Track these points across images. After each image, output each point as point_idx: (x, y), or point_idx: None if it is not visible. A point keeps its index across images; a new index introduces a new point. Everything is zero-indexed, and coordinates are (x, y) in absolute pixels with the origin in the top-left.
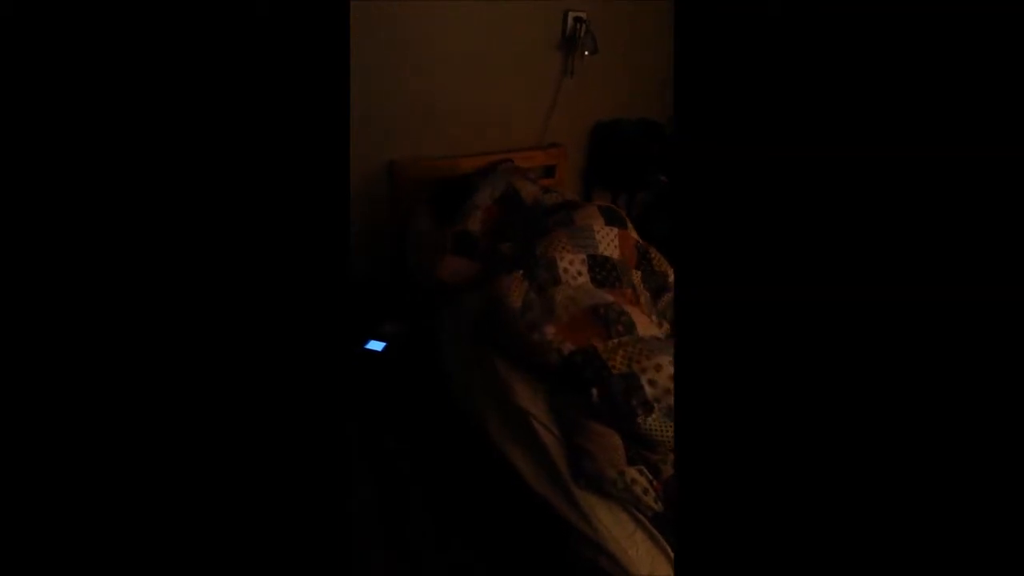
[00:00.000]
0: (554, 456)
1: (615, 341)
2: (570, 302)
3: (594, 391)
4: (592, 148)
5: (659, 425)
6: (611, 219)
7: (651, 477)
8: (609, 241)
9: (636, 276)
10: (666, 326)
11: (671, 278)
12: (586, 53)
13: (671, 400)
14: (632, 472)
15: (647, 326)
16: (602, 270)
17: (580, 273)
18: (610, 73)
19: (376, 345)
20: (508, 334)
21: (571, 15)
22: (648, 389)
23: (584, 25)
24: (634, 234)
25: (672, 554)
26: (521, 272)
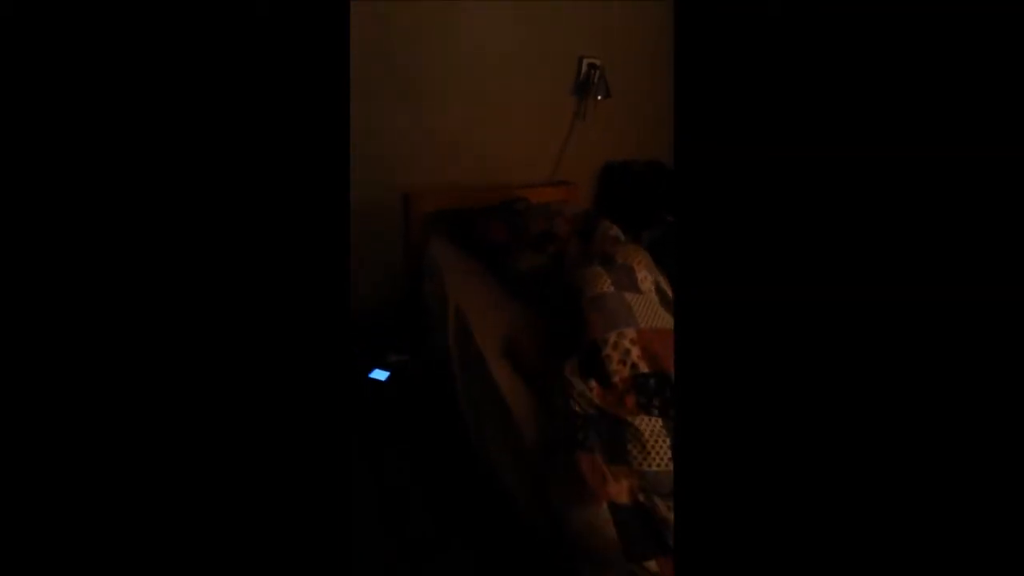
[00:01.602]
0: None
1: None
2: (650, 315)
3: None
4: (601, 186)
5: None
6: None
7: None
8: (666, 282)
9: None
10: None
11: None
12: (599, 97)
13: None
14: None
15: None
16: (664, 300)
17: (651, 291)
18: (621, 117)
19: (380, 374)
20: (576, 328)
21: (585, 61)
22: None
23: (597, 71)
24: None
25: None
26: (602, 267)
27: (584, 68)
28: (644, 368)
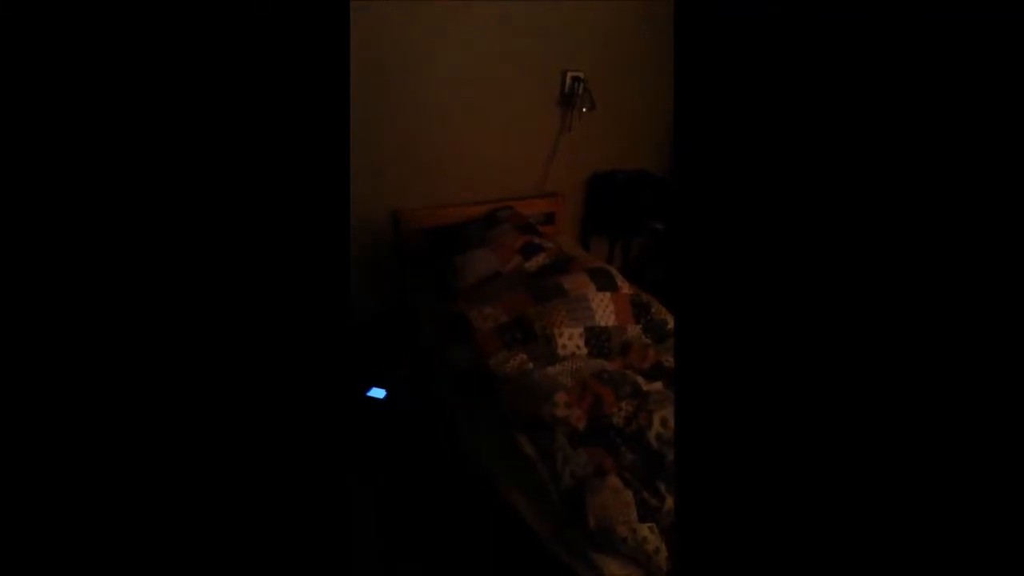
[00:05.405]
0: (563, 508)
1: (627, 403)
2: (574, 372)
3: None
4: (589, 196)
5: None
6: (602, 284)
7: (660, 535)
8: (604, 308)
9: (635, 331)
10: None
11: (670, 325)
12: (584, 110)
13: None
14: (644, 530)
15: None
16: (598, 341)
17: (579, 347)
18: (606, 128)
19: (378, 392)
20: (512, 408)
21: (569, 75)
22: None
23: (582, 84)
24: (627, 289)
25: None
26: (524, 353)
27: (568, 81)
28: (581, 426)
